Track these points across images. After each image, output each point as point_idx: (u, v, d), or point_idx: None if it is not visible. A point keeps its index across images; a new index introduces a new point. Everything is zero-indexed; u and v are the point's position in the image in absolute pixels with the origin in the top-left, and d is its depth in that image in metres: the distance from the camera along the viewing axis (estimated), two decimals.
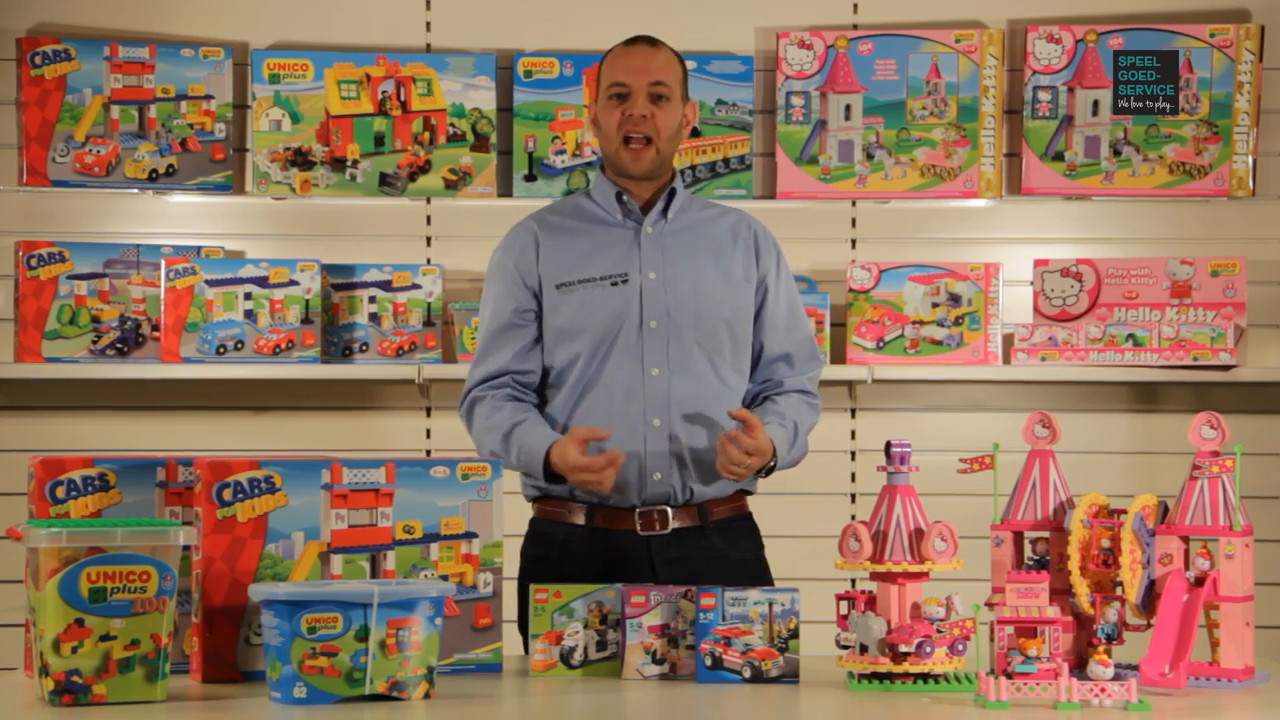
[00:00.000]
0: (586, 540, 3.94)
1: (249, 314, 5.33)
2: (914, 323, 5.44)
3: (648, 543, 3.92)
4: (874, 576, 3.38)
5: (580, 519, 3.95)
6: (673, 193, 4.01)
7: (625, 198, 4.00)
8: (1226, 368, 5.31)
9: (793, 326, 4.06)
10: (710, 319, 3.95)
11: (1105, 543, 3.40)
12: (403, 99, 5.44)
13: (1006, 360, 5.43)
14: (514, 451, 3.89)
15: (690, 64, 4.21)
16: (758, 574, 4.00)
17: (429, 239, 5.55)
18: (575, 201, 4.09)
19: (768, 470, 3.93)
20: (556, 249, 3.98)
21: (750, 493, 4.05)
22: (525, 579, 3.92)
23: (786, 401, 4.01)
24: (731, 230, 4.04)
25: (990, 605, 3.36)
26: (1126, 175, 5.46)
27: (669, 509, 3.93)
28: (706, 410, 3.92)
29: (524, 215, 4.13)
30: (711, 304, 3.95)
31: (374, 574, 3.46)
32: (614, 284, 3.94)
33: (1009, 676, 3.20)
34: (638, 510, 3.92)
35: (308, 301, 5.35)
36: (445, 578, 3.48)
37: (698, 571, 3.83)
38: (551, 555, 3.96)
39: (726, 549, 3.96)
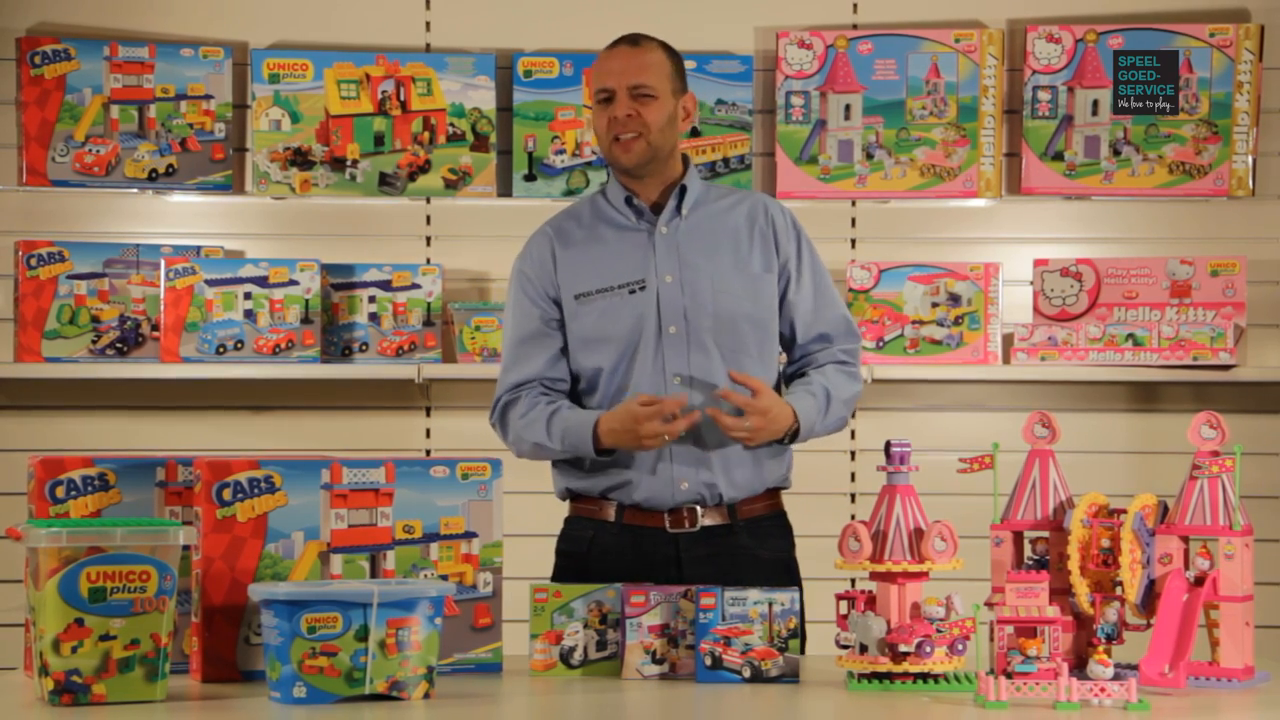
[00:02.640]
0: (616, 536, 3.93)
1: (249, 314, 5.33)
2: (914, 322, 5.44)
3: (676, 540, 3.91)
4: (874, 576, 3.38)
5: (611, 514, 3.94)
6: (684, 189, 3.98)
7: (635, 201, 3.97)
8: (1226, 367, 5.31)
9: (822, 306, 4.01)
10: (729, 318, 3.92)
11: (1105, 542, 3.40)
12: (402, 99, 5.44)
13: (1006, 360, 5.43)
14: (558, 432, 3.87)
15: (690, 64, 4.20)
16: (785, 574, 3.97)
17: (429, 239, 5.55)
18: (592, 203, 4.04)
19: (792, 435, 3.89)
20: (573, 259, 3.96)
21: (785, 488, 4.03)
22: (556, 576, 3.94)
23: (818, 374, 3.97)
24: (748, 219, 4.00)
25: (990, 605, 3.36)
26: (1126, 175, 5.46)
27: (699, 508, 3.92)
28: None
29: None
30: (731, 302, 3.92)
31: (374, 574, 3.46)
32: (631, 291, 3.92)
33: (1009, 676, 3.20)
34: (668, 509, 3.92)
35: (307, 301, 5.35)
36: (445, 577, 3.48)
37: (725, 569, 3.81)
38: (580, 551, 3.97)
39: (755, 547, 3.94)
